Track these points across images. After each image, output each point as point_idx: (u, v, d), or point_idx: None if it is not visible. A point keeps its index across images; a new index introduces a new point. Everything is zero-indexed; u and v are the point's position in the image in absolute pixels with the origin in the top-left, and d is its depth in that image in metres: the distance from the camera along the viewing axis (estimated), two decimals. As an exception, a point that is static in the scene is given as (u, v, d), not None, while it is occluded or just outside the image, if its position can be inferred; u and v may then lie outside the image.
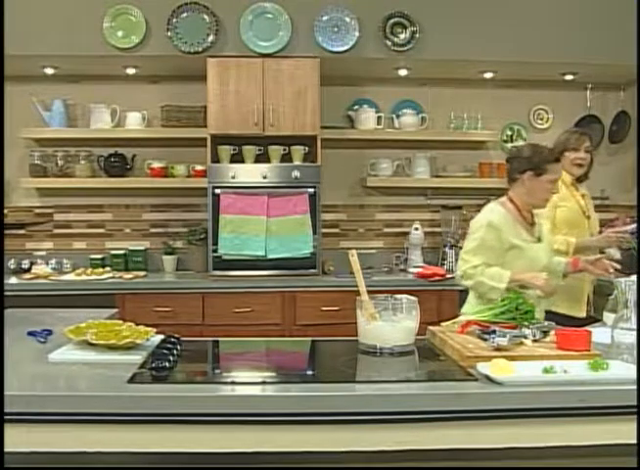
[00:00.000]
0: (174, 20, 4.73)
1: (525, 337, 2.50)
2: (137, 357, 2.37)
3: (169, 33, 4.73)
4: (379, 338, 2.48)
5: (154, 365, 2.21)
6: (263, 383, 2.19)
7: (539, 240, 3.41)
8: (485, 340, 2.45)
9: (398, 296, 2.65)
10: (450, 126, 5.45)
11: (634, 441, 2.03)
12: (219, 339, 2.86)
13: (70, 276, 4.92)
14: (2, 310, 2.90)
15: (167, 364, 2.22)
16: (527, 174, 3.31)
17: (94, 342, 2.44)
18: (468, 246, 3.34)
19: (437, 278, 4.86)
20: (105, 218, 5.44)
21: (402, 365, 2.42)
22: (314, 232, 4.83)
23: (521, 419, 2.02)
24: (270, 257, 4.78)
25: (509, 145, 5.46)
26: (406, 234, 5.41)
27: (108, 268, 5.11)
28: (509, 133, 5.60)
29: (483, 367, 2.13)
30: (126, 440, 2.00)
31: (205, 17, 4.75)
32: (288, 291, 4.75)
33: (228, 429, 2.00)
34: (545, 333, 2.55)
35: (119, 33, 4.73)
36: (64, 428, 1.98)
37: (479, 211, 5.50)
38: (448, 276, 4.91)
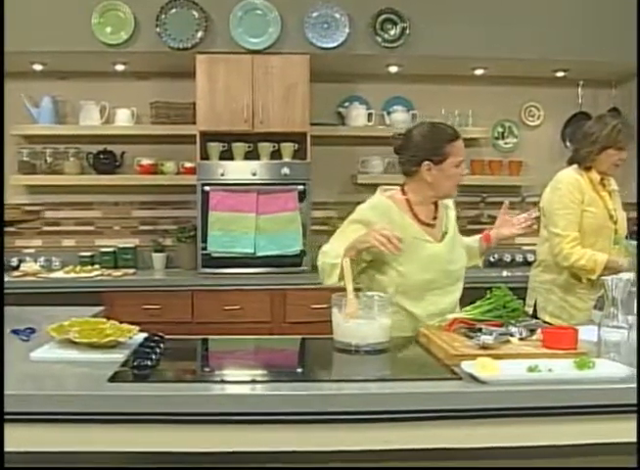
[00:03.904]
0: (163, 16, 4.71)
1: (512, 335, 2.47)
2: (119, 356, 2.34)
3: (158, 29, 4.71)
4: (357, 336, 2.45)
5: (135, 364, 2.18)
6: (247, 382, 2.17)
7: (443, 237, 2.89)
8: (472, 338, 2.44)
9: (370, 293, 2.62)
10: (441, 123, 5.42)
11: (620, 440, 2.02)
12: (203, 337, 2.82)
13: (59, 274, 4.89)
14: (2, 311, 2.87)
15: (149, 363, 2.20)
16: (426, 165, 2.74)
17: (76, 340, 2.42)
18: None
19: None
20: (94, 216, 5.41)
21: (383, 363, 2.41)
22: (304, 229, 4.80)
23: (505, 418, 2.00)
24: (259, 254, 4.76)
25: (502, 144, 5.43)
26: (397, 232, 5.38)
27: (97, 266, 5.08)
28: (500, 130, 5.59)
29: (468, 366, 2.11)
30: (107, 439, 1.97)
31: (195, 13, 4.73)
32: (277, 288, 4.72)
33: (209, 428, 1.97)
34: (532, 331, 2.53)
35: (108, 29, 4.70)
36: (42, 427, 1.95)
37: (471, 208, 5.52)
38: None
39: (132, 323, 4.40)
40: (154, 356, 2.27)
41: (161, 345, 2.44)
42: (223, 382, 2.17)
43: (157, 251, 5.29)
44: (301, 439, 1.98)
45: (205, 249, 4.77)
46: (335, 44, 4.79)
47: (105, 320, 2.70)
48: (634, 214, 5.19)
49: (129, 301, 4.63)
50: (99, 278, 4.82)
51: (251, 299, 4.70)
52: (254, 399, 2.00)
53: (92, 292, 4.59)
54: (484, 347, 2.33)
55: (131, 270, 5.06)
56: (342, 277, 2.61)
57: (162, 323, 4.48)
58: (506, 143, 5.60)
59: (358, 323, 2.48)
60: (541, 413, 2.01)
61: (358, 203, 5.30)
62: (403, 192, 2.89)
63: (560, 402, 2.01)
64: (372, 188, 5.33)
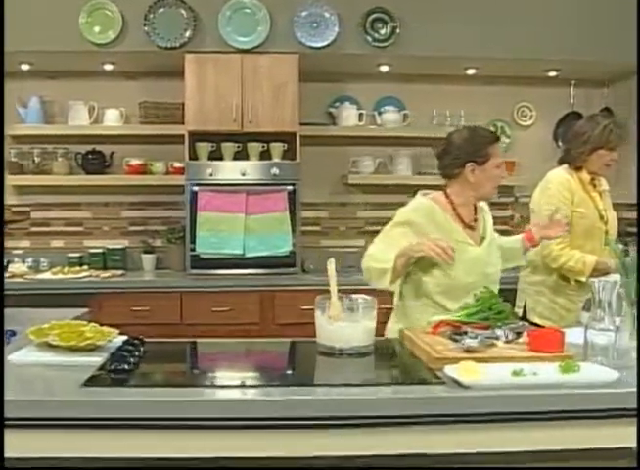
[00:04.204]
0: (151, 15, 4.67)
1: (498, 338, 2.44)
2: (97, 359, 2.29)
3: (146, 29, 4.66)
4: (340, 339, 2.42)
5: (112, 368, 2.14)
6: (224, 386, 2.13)
7: (482, 240, 2.98)
8: (457, 341, 2.40)
9: (354, 296, 2.58)
10: (433, 123, 5.39)
11: (605, 445, 1.99)
12: (185, 340, 2.78)
13: (47, 275, 4.85)
14: (2, 312, 2.83)
15: (126, 367, 2.16)
16: (469, 167, 2.85)
17: (54, 343, 2.38)
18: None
19: (418, 277, 4.79)
20: (83, 216, 5.37)
21: (366, 367, 2.38)
22: (293, 230, 4.77)
23: (487, 424, 1.96)
24: (248, 255, 4.72)
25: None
26: (388, 232, 5.33)
27: (85, 267, 5.03)
28: (492, 130, 5.53)
29: (451, 370, 2.07)
30: (79, 445, 1.93)
31: (183, 12, 4.68)
32: (267, 290, 4.69)
33: (185, 434, 1.93)
34: (518, 334, 2.49)
35: (96, 29, 4.66)
36: (16, 433, 1.91)
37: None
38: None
39: (120, 325, 4.35)
40: (132, 360, 2.22)
41: (141, 348, 2.40)
42: (200, 387, 2.12)
43: (146, 252, 5.24)
44: (279, 444, 1.95)
45: (193, 250, 4.73)
46: (324, 43, 4.75)
47: (85, 323, 2.65)
48: (628, 215, 5.17)
49: (117, 302, 4.60)
50: (87, 279, 4.77)
51: (240, 300, 4.66)
52: (231, 405, 1.96)
53: (80, 293, 4.53)
54: (469, 350, 2.29)
55: (119, 271, 5.01)
56: (393, 280, 2.74)
57: (151, 325, 4.48)
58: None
59: (342, 326, 2.45)
60: (525, 418, 1.97)
61: (349, 203, 5.41)
62: (446, 194, 2.95)
63: (544, 407, 1.98)
64: (363, 188, 5.43)
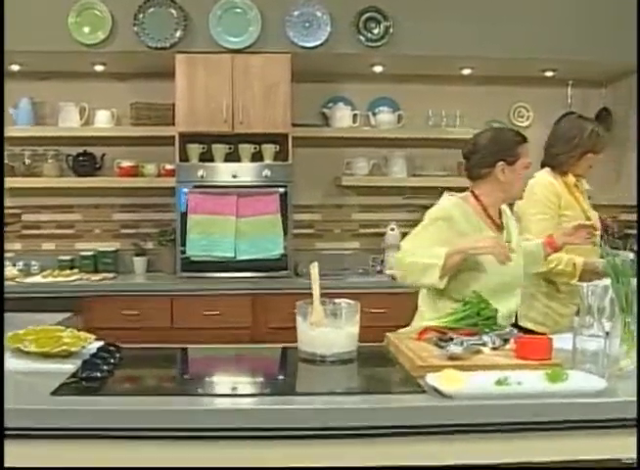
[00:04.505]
0: (141, 15, 4.61)
1: (484, 344, 2.37)
2: (71, 367, 2.22)
3: (136, 29, 4.60)
4: (322, 345, 2.35)
5: (83, 375, 2.08)
6: (200, 395, 2.05)
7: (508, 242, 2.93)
8: (442, 348, 2.33)
9: (338, 300, 2.51)
10: (428, 124, 5.32)
11: (591, 457, 1.92)
12: (162, 346, 2.72)
13: (37, 278, 4.78)
14: (2, 313, 2.77)
15: (99, 374, 2.09)
16: (500, 166, 2.83)
17: (26, 350, 2.31)
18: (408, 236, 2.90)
19: (413, 280, 4.72)
20: (74, 219, 5.31)
21: (346, 375, 2.30)
22: (285, 233, 4.70)
23: (469, 435, 1.89)
24: (240, 258, 4.66)
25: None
26: (383, 235, 5.27)
27: (75, 270, 4.97)
28: (488, 131, 5.46)
29: (432, 378, 2.00)
30: (48, 455, 1.87)
31: (173, 11, 4.62)
32: (258, 293, 4.62)
33: (155, 445, 1.87)
34: (506, 340, 2.42)
35: (85, 29, 4.60)
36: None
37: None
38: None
39: (110, 329, 4.32)
40: (105, 367, 2.16)
41: (117, 354, 2.33)
42: (173, 395, 2.04)
43: (138, 254, 5.18)
44: (252, 455, 1.88)
45: (184, 253, 4.66)
46: (316, 43, 4.68)
47: (63, 328, 2.59)
48: (629, 217, 5.11)
49: (108, 306, 4.55)
50: (77, 283, 4.71)
51: (231, 304, 4.59)
52: (205, 414, 1.90)
53: (70, 297, 4.47)
54: (453, 357, 2.22)
55: (111, 274, 4.95)
56: (443, 276, 2.65)
57: (141, 329, 4.44)
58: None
59: (323, 332, 2.38)
60: (508, 429, 1.90)
61: (343, 205, 5.34)
62: (474, 195, 2.92)
63: (529, 418, 1.91)
64: (357, 190, 5.36)
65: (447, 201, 2.91)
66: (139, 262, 5.16)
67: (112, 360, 2.25)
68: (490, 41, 4.76)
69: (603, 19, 4.83)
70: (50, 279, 4.74)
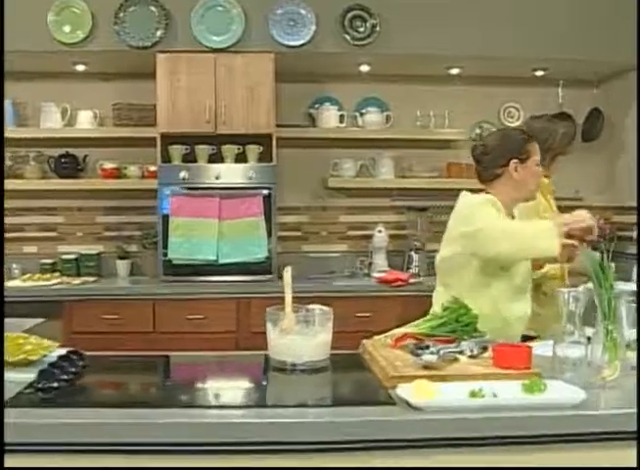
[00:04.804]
0: (121, 13, 4.52)
1: (462, 352, 2.27)
2: (30, 376, 2.12)
3: (117, 27, 4.51)
4: (293, 353, 2.25)
5: (39, 386, 1.98)
6: (159, 406, 1.95)
7: None
8: (418, 356, 2.23)
9: (311, 306, 2.42)
10: (416, 125, 5.23)
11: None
12: (131, 353, 2.63)
13: (16, 282, 4.69)
14: (2, 314, 2.68)
15: (55, 384, 1.99)
16: (513, 164, 2.84)
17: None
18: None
19: (400, 284, 4.64)
20: (57, 221, 5.21)
21: (316, 385, 2.20)
22: (269, 235, 4.61)
23: (440, 449, 1.79)
24: (223, 261, 4.56)
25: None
26: (371, 237, 5.18)
27: (57, 274, 4.88)
28: (478, 132, 5.37)
29: (404, 390, 1.90)
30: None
31: (154, 10, 4.53)
32: (242, 297, 4.52)
33: (109, 458, 1.78)
34: (485, 348, 2.32)
35: (66, 28, 4.51)
36: None
37: (447, 213, 5.29)
38: (412, 281, 4.71)
39: (90, 333, 4.22)
40: (64, 377, 2.06)
41: (79, 363, 2.23)
42: (132, 408, 1.93)
43: (121, 257, 5.09)
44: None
45: (166, 256, 4.57)
46: (301, 42, 4.59)
47: (27, 335, 2.49)
48: (622, 219, 5.02)
49: (88, 310, 4.46)
50: (57, 287, 4.61)
51: (215, 308, 4.50)
52: (157, 428, 1.79)
53: (50, 301, 4.39)
54: (427, 367, 2.12)
55: (91, 278, 4.86)
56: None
57: (123, 333, 4.38)
58: (478, 142, 5.38)
59: (293, 339, 2.28)
60: (482, 443, 1.80)
61: (330, 207, 5.24)
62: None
63: (503, 432, 1.81)
64: (344, 192, 5.26)
65: (477, 195, 2.87)
66: (122, 266, 5.07)
67: (72, 369, 2.14)
68: (479, 40, 4.67)
69: (594, 17, 4.75)
70: (30, 283, 4.65)
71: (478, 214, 2.74)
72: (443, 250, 2.93)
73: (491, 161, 2.88)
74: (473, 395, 1.89)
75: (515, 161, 2.84)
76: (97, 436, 1.79)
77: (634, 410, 1.85)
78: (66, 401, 1.95)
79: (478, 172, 2.96)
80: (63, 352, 2.33)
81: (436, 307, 2.84)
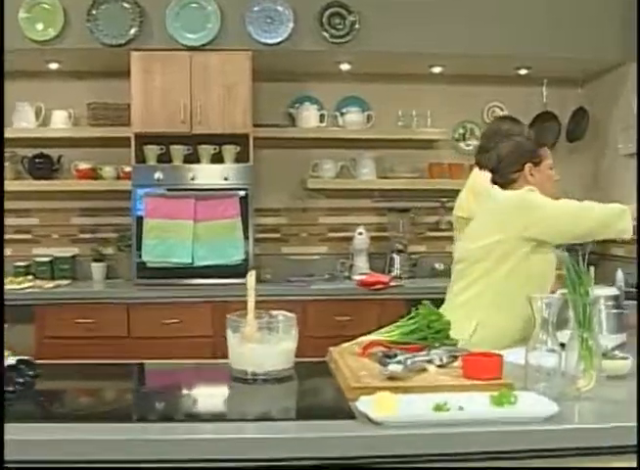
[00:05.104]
0: (94, 10, 4.43)
1: (431, 361, 2.17)
2: (-24, 388, 2.02)
3: (89, 25, 4.42)
4: (253, 362, 2.14)
5: (-20, 400, 1.87)
6: (103, 421, 1.83)
7: None
8: (385, 365, 2.13)
9: (274, 312, 2.33)
10: (398, 124, 5.15)
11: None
12: (85, 362, 2.51)
13: (-13, 286, 4.58)
14: (2, 315, 2.58)
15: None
16: (528, 167, 2.84)
17: None
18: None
19: (380, 286, 4.55)
20: (31, 223, 5.11)
21: (275, 396, 2.09)
22: (246, 237, 4.51)
23: (401, 467, 1.69)
24: (198, 264, 4.46)
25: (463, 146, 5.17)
26: (351, 239, 5.09)
27: (30, 277, 4.77)
28: (461, 132, 5.30)
29: (364, 403, 1.80)
30: None
31: (128, 7, 4.44)
32: (219, 301, 4.40)
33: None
34: (455, 357, 2.22)
35: (39, 26, 4.41)
36: None
37: (430, 214, 5.15)
38: (394, 284, 4.62)
39: (63, 338, 4.10)
40: (9, 388, 1.94)
41: (29, 373, 2.12)
42: (77, 422, 1.82)
43: (96, 260, 4.98)
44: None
45: (140, 258, 4.47)
46: (278, 40, 4.51)
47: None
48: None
49: (61, 315, 4.38)
50: (28, 290, 4.50)
51: (190, 312, 4.41)
52: (110, 445, 1.67)
53: (21, 305, 4.28)
54: (393, 377, 2.02)
55: (65, 281, 4.76)
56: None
57: (96, 338, 4.29)
58: (467, 145, 5.31)
59: (254, 348, 2.18)
60: (445, 460, 1.70)
61: (310, 209, 5.15)
62: None
63: (468, 448, 1.70)
64: (324, 193, 5.17)
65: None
66: (97, 269, 4.97)
67: (20, 380, 2.04)
68: (461, 37, 4.60)
69: (578, 14, 4.68)
70: (1, 287, 4.54)
71: (538, 200, 2.76)
72: (481, 241, 2.84)
73: (506, 168, 2.88)
74: (437, 408, 1.79)
75: (530, 164, 2.86)
76: (34, 453, 1.67)
77: (609, 425, 1.76)
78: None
79: (494, 181, 2.95)
80: (12, 361, 2.22)
81: (479, 313, 2.74)
